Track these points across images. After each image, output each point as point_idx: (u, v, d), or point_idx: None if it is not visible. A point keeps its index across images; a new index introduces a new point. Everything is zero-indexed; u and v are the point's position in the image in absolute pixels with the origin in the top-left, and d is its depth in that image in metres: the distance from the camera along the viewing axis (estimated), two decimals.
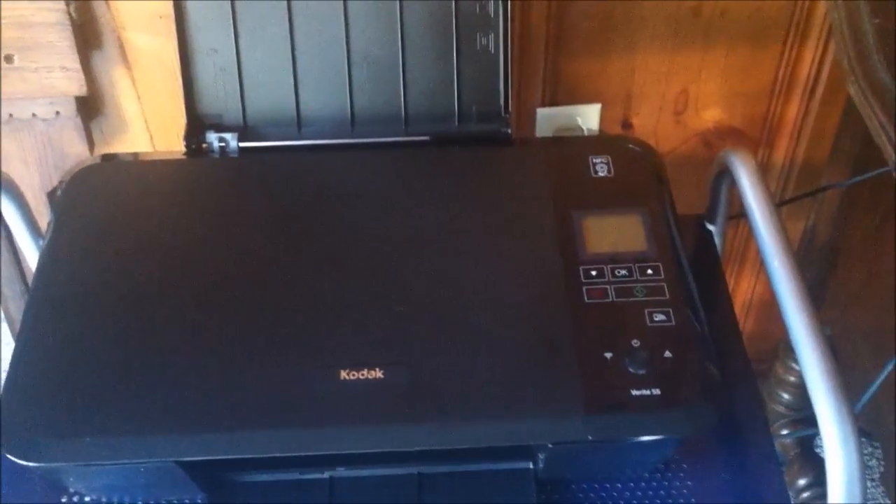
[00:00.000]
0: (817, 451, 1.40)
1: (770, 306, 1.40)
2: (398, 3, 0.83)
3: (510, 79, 0.85)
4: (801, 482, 1.36)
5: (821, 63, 1.12)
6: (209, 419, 0.66)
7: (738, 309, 1.43)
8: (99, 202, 0.79)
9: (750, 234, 1.28)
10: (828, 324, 1.24)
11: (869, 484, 1.44)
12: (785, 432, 1.38)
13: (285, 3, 0.83)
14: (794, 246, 1.26)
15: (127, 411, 0.66)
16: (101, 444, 0.65)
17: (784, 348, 1.34)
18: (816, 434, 1.41)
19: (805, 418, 1.38)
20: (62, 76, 1.00)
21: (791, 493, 1.38)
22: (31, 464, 0.65)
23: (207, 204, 0.79)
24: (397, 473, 0.74)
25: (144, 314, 0.71)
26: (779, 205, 1.13)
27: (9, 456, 0.65)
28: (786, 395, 1.36)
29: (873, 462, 1.46)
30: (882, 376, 0.79)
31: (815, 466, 1.36)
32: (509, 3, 0.83)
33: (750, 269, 1.37)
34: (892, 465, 1.25)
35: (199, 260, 0.75)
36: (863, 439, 1.35)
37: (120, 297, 0.72)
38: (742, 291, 1.42)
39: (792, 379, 1.34)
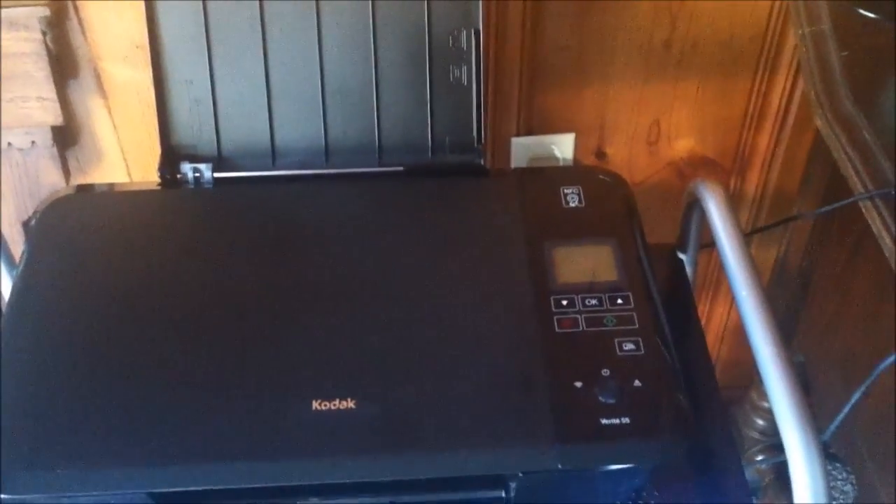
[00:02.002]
0: None
1: (744, 334, 1.40)
2: (372, 35, 0.84)
3: (483, 110, 0.86)
4: None
5: (791, 94, 1.14)
6: (181, 450, 0.66)
7: (712, 336, 1.44)
8: (73, 233, 0.79)
9: None
10: (800, 351, 1.25)
11: None
12: (760, 458, 1.38)
13: (260, 34, 0.84)
14: (766, 274, 1.27)
15: (99, 443, 0.66)
16: (72, 476, 0.65)
17: (758, 375, 1.34)
18: None
19: (779, 444, 1.38)
20: (38, 106, 1.01)
21: None
22: (3, 496, 0.65)
23: (182, 235, 0.80)
24: (370, 503, 0.74)
25: (117, 345, 0.71)
26: (749, 234, 1.14)
27: None
28: (760, 421, 1.37)
29: (848, 487, 1.46)
30: (850, 404, 0.80)
31: (790, 492, 1.37)
32: (482, 36, 0.84)
33: (724, 296, 1.38)
34: (864, 491, 1.25)
35: (172, 291, 0.75)
36: (837, 465, 1.36)
37: (93, 329, 0.72)
38: (716, 318, 1.43)
39: (766, 405, 1.34)
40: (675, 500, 0.78)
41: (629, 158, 1.19)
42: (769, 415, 1.35)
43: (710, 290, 1.38)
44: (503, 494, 0.74)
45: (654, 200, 1.21)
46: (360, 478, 0.67)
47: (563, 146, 1.16)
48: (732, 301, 1.38)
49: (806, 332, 1.26)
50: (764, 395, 1.34)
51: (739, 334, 1.44)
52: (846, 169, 0.84)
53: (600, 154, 1.18)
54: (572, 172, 0.87)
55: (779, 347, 0.72)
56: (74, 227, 0.80)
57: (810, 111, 0.94)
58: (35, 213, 0.81)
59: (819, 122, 0.88)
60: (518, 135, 1.15)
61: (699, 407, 0.74)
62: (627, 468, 0.68)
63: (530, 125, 1.15)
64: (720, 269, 1.33)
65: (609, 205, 0.81)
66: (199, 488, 0.66)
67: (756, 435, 1.38)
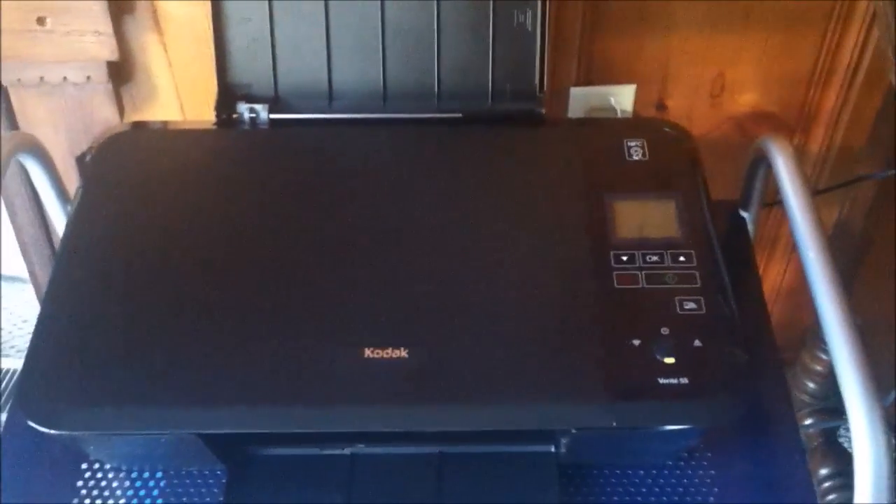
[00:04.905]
0: (841, 441, 1.39)
1: (798, 295, 1.38)
2: None
3: (546, 57, 0.83)
4: (823, 472, 1.35)
5: (862, 50, 1.10)
6: (232, 393, 0.66)
7: (766, 297, 1.42)
8: (128, 170, 0.79)
9: (782, 221, 1.27)
10: (857, 314, 1.22)
11: None
12: (809, 422, 1.36)
13: None
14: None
15: (150, 382, 0.66)
16: (123, 414, 0.65)
17: (811, 337, 1.32)
18: (840, 425, 1.40)
19: (829, 408, 1.36)
20: (94, 40, 1.00)
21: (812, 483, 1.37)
22: (52, 431, 0.65)
23: (236, 175, 0.79)
24: (418, 452, 0.74)
25: (170, 285, 0.71)
26: (818, 193, 1.11)
27: (31, 423, 0.65)
28: (811, 385, 1.35)
29: None
30: None
31: (838, 457, 1.35)
32: None
33: (780, 256, 1.36)
34: None
35: (225, 232, 0.74)
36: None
37: (146, 267, 0.72)
38: (771, 279, 1.40)
39: (818, 368, 1.33)
40: (727, 461, 0.76)
41: (690, 111, 1.16)
42: (820, 378, 1.34)
43: (766, 249, 1.35)
44: (552, 449, 0.74)
45: (713, 155, 1.18)
46: (410, 427, 0.67)
47: (622, 97, 1.13)
48: (788, 262, 1.37)
49: (863, 296, 1.24)
50: (816, 358, 1.32)
51: (793, 296, 1.42)
52: None
53: (661, 106, 1.15)
54: (636, 124, 0.85)
55: (845, 310, 0.70)
56: (130, 163, 0.79)
57: (882, 70, 0.91)
58: (90, 148, 0.81)
59: (893, 78, 0.85)
60: (577, 84, 1.12)
61: (757, 368, 0.72)
62: (682, 429, 0.67)
63: (590, 75, 1.13)
64: (778, 227, 1.30)
65: (673, 159, 0.79)
66: (247, 431, 0.66)
67: (806, 398, 1.36)
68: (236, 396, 0.66)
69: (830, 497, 1.31)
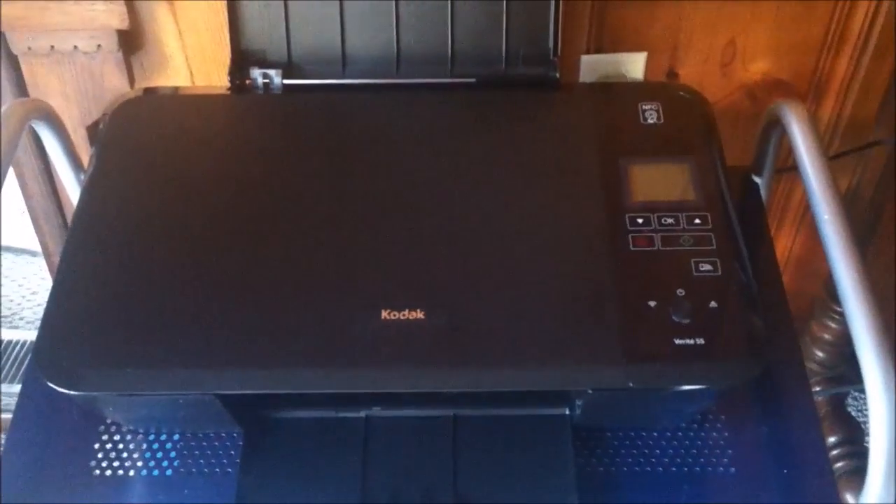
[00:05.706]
0: (849, 409, 1.39)
1: (806, 265, 1.38)
2: None
3: (560, 21, 0.83)
4: (831, 440, 1.35)
5: (874, 17, 1.10)
6: (250, 354, 0.66)
7: None
8: (142, 136, 0.79)
9: (791, 191, 1.27)
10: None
11: None
12: (817, 389, 1.37)
13: None
14: None
15: (168, 344, 0.66)
16: (141, 375, 0.65)
17: (820, 306, 1.32)
18: (849, 393, 1.41)
19: (838, 376, 1.37)
20: (104, 9, 0.99)
21: None
22: (71, 392, 0.65)
23: (250, 140, 0.79)
24: (433, 415, 0.74)
25: (186, 248, 0.71)
26: (832, 158, 1.11)
27: (50, 384, 0.65)
28: (820, 353, 1.35)
29: None
30: None
31: (846, 425, 1.36)
32: None
33: (790, 225, 1.35)
34: None
35: (239, 196, 0.74)
36: None
37: (162, 231, 0.72)
38: (780, 247, 1.40)
39: (826, 337, 1.33)
40: (740, 424, 0.77)
41: (701, 79, 1.16)
42: (829, 346, 1.34)
43: (776, 217, 1.35)
44: (567, 412, 0.74)
45: (723, 124, 1.18)
46: (426, 388, 0.67)
47: (633, 65, 1.13)
48: (798, 229, 1.36)
49: (871, 266, 1.24)
50: (824, 326, 1.33)
51: (802, 264, 1.42)
52: None
53: (672, 74, 1.15)
54: (651, 88, 0.84)
55: (861, 273, 0.70)
56: (143, 129, 0.79)
57: (894, 34, 0.90)
58: (103, 115, 0.81)
59: None
60: (588, 52, 1.12)
61: (770, 331, 0.72)
62: (697, 390, 0.67)
63: (600, 43, 1.12)
64: (787, 195, 1.30)
65: (688, 122, 0.79)
66: (265, 392, 0.67)
67: (815, 367, 1.37)
68: (254, 357, 0.66)
69: (839, 465, 1.31)
